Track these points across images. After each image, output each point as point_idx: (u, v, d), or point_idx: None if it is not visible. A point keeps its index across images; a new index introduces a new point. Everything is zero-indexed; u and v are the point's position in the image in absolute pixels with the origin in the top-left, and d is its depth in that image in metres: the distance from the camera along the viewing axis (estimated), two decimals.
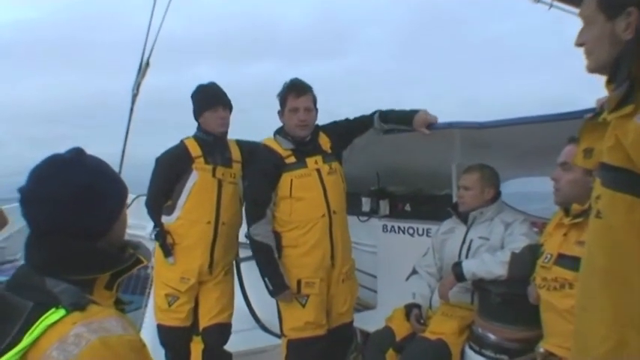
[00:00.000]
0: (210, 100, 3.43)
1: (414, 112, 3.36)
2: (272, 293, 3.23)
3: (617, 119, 1.31)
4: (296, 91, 3.24)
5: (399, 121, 3.41)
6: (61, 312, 1.20)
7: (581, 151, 1.54)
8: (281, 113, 3.31)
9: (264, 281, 3.23)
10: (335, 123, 3.53)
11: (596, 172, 1.46)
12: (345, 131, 3.48)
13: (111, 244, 1.41)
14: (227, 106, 3.46)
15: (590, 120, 1.54)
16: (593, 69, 1.48)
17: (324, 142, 3.37)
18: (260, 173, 3.31)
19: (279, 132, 3.33)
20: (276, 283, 3.20)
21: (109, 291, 1.41)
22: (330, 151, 3.35)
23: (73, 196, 1.35)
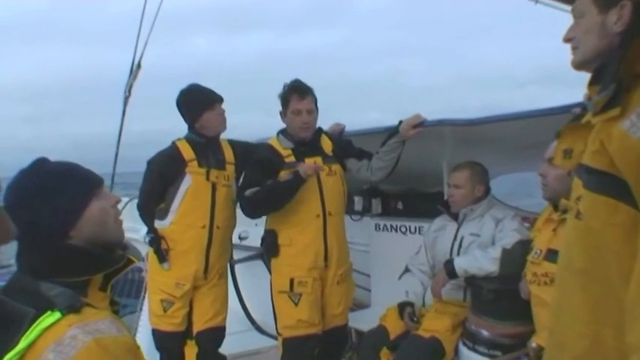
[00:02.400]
0: (206, 99, 3.39)
1: (396, 125, 3.31)
2: (295, 180, 3.10)
3: (601, 123, 1.31)
4: (299, 94, 3.25)
5: (387, 140, 3.32)
6: (57, 315, 1.21)
7: (560, 151, 1.54)
8: (283, 114, 3.32)
9: (285, 187, 3.14)
10: (341, 137, 3.59)
11: (575, 172, 1.47)
12: (347, 146, 3.48)
13: (92, 244, 1.42)
14: (222, 101, 3.43)
15: (572, 122, 1.54)
16: (579, 63, 1.46)
17: (327, 144, 3.38)
18: (256, 162, 3.31)
19: (282, 132, 3.35)
20: (288, 183, 3.12)
21: (103, 292, 1.43)
22: (331, 153, 3.36)
23: (23, 199, 1.39)
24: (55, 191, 1.41)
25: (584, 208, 1.37)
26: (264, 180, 3.21)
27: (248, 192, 3.21)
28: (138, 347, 1.37)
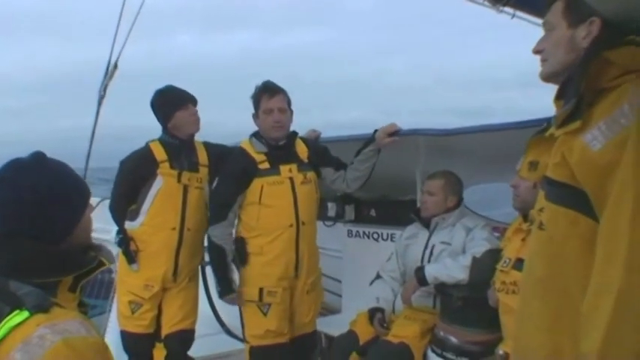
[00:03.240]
0: (179, 98, 3.35)
1: (372, 134, 3.33)
2: (219, 294, 3.28)
3: (564, 135, 1.34)
4: (269, 92, 3.21)
5: (363, 148, 3.34)
6: (25, 314, 1.20)
7: (526, 163, 1.59)
8: (255, 116, 3.27)
9: (215, 281, 3.28)
10: (317, 143, 3.57)
11: (540, 184, 1.51)
12: (324, 154, 3.45)
13: (73, 246, 1.42)
14: (195, 102, 3.39)
15: (536, 135, 1.58)
16: (546, 75, 1.49)
17: (302, 150, 3.33)
18: (228, 175, 3.28)
19: (255, 135, 3.30)
20: (224, 286, 3.23)
21: (72, 294, 1.42)
22: (306, 160, 3.31)
23: (32, 200, 1.36)
24: (61, 197, 1.41)
25: (546, 219, 1.41)
26: (236, 196, 3.20)
27: (216, 233, 3.23)
28: (107, 348, 1.36)
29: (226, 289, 3.23)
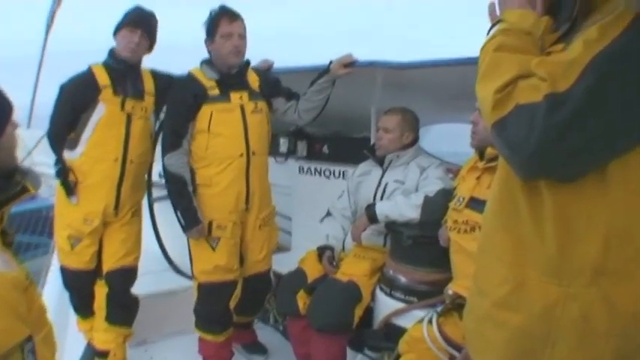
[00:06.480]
0: (123, 19, 3.12)
1: (327, 65, 3.17)
2: (184, 228, 3.09)
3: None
4: (229, 16, 3.02)
5: (317, 79, 3.19)
6: None
7: None
8: (209, 41, 3.07)
9: (177, 215, 3.09)
10: (269, 74, 3.39)
11: None
12: (275, 84, 3.30)
13: None
14: (139, 28, 3.12)
15: None
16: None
17: (253, 79, 3.18)
18: (179, 102, 3.10)
19: (206, 62, 3.12)
20: (189, 218, 3.05)
21: None
22: (258, 89, 3.17)
23: None
24: None
25: None
26: (188, 123, 3.03)
27: (173, 161, 3.03)
28: (30, 284, 1.22)
29: (192, 220, 3.04)
